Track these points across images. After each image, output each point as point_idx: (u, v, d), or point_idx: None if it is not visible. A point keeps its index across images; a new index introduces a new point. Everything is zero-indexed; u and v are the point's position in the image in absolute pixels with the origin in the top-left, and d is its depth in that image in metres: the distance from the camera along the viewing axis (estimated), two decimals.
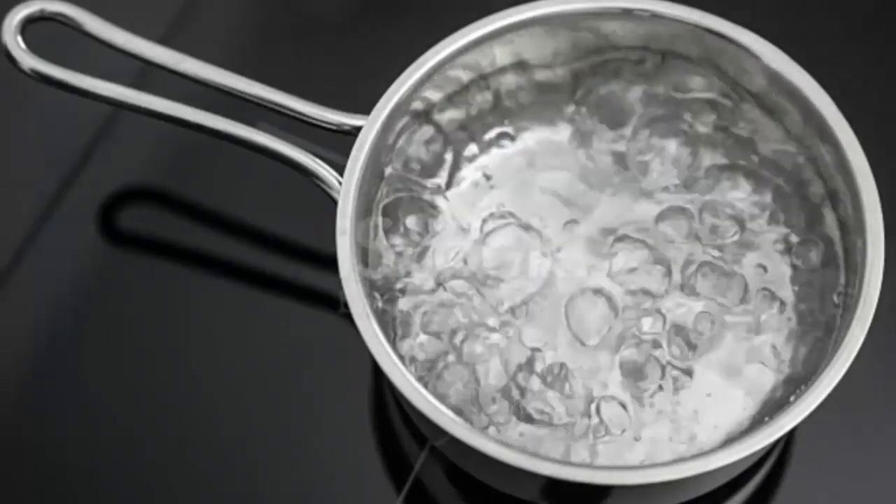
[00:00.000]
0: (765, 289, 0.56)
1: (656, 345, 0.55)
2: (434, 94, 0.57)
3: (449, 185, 0.58)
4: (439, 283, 0.56)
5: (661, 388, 0.55)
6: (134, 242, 0.63)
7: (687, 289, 0.56)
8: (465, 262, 0.57)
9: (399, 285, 0.56)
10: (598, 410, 0.54)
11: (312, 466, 0.58)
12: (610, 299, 0.56)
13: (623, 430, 0.54)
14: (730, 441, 0.52)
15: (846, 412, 0.57)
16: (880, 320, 0.52)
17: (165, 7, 0.68)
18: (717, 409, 0.54)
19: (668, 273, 0.56)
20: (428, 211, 0.58)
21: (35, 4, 0.58)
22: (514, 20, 0.57)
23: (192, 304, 0.61)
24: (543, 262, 0.57)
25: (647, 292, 0.56)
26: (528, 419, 0.54)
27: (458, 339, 0.55)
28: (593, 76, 0.59)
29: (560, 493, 0.53)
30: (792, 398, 0.52)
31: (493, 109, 0.59)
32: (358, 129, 0.55)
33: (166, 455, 0.58)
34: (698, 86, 0.58)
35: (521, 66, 0.58)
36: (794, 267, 0.56)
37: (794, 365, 0.55)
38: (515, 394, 0.54)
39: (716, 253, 0.57)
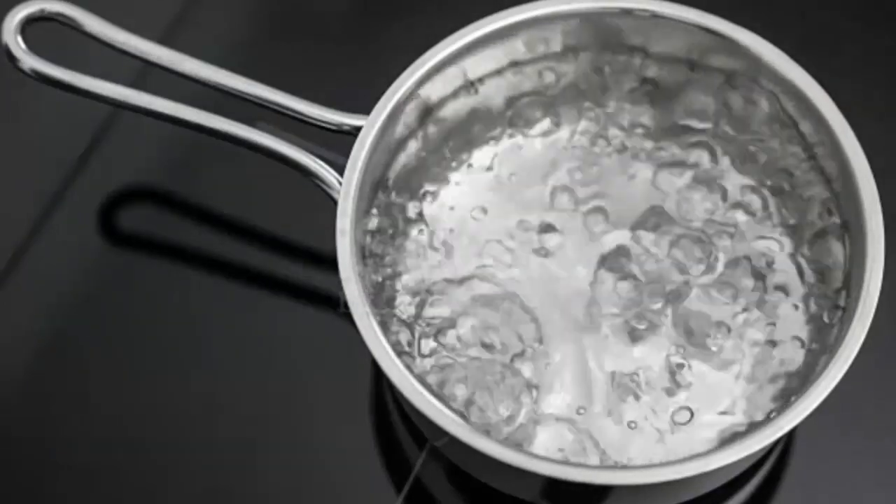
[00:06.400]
0: (766, 288, 0.56)
1: (660, 340, 0.55)
2: (435, 94, 0.57)
3: (449, 183, 0.59)
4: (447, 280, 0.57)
5: (661, 384, 0.55)
6: (134, 242, 0.63)
7: (693, 286, 0.56)
8: (463, 259, 0.57)
9: (399, 281, 0.57)
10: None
11: (312, 466, 0.58)
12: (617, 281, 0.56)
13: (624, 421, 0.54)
14: (730, 441, 0.52)
15: (846, 412, 0.57)
16: (880, 320, 0.52)
17: (165, 7, 0.68)
18: (717, 408, 0.54)
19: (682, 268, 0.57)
20: (427, 209, 0.58)
21: (35, 4, 0.58)
22: (514, 20, 0.57)
23: (192, 303, 0.61)
24: (543, 259, 0.57)
25: (658, 281, 0.56)
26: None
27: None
28: (603, 77, 0.59)
29: (560, 493, 0.53)
30: (792, 398, 0.52)
31: (493, 109, 0.59)
32: (358, 129, 0.55)
33: (166, 455, 0.58)
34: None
35: (521, 66, 0.58)
36: (794, 267, 0.56)
37: (795, 364, 0.55)
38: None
39: (721, 255, 0.57)
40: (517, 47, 0.58)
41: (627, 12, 0.57)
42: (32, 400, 0.60)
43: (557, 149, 0.59)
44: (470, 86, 0.58)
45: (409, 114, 0.57)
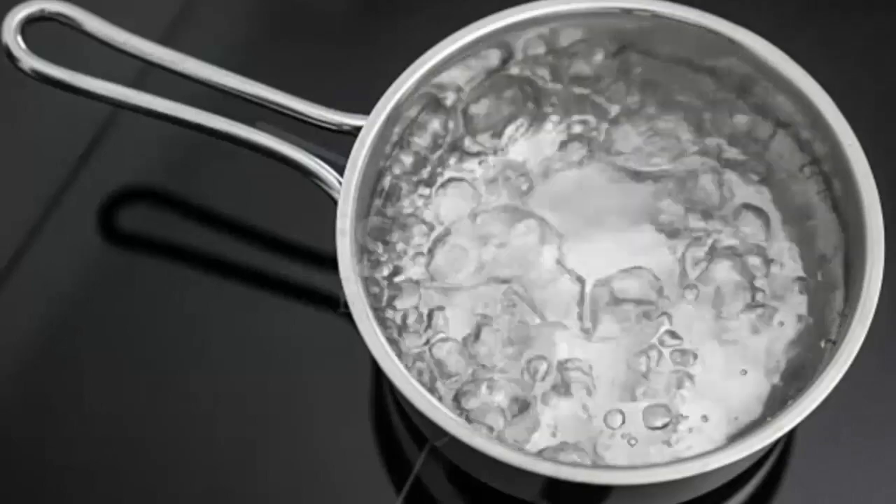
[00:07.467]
0: (766, 289, 0.56)
1: (658, 345, 0.55)
2: (436, 94, 0.57)
3: (448, 183, 0.59)
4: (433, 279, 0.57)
5: (660, 385, 0.55)
6: (134, 242, 0.63)
7: (690, 286, 0.56)
8: (465, 255, 0.57)
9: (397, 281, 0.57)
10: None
11: (312, 466, 0.58)
12: (611, 292, 0.56)
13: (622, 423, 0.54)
14: (730, 441, 0.52)
15: (846, 412, 0.57)
16: (880, 320, 0.52)
17: (165, 7, 0.68)
18: (718, 408, 0.54)
19: (673, 274, 0.57)
20: (426, 207, 0.58)
21: (35, 4, 0.58)
22: (514, 20, 0.57)
23: (192, 303, 0.61)
24: (549, 257, 0.57)
25: (650, 293, 0.56)
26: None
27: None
28: (603, 78, 0.59)
29: (560, 493, 0.53)
30: (792, 398, 0.52)
31: (492, 109, 0.59)
32: (358, 129, 0.55)
33: (166, 455, 0.58)
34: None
35: (521, 66, 0.58)
36: (794, 268, 0.56)
37: (793, 365, 0.55)
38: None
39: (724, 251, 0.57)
40: (517, 48, 0.58)
41: (627, 12, 0.57)
42: (32, 400, 0.60)
43: (555, 150, 0.59)
44: (471, 86, 0.58)
45: (411, 113, 0.57)
